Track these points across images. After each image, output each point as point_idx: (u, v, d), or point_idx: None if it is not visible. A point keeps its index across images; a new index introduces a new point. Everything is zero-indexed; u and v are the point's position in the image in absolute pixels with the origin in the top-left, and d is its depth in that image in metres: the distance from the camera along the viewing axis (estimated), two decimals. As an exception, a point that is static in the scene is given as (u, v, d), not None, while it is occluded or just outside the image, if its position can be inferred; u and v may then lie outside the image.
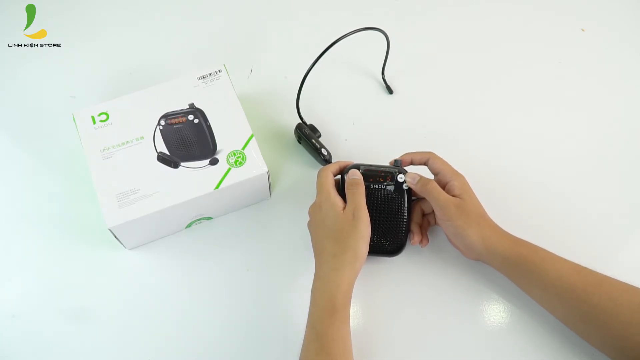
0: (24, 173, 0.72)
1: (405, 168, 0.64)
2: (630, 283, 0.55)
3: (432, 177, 0.64)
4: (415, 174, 0.62)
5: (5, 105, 0.78)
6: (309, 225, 0.62)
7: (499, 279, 0.62)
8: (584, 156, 0.74)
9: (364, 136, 0.75)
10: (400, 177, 0.61)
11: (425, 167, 0.64)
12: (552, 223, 0.68)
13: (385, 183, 0.61)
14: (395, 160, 0.64)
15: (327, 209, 0.59)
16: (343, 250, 0.56)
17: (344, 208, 0.59)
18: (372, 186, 0.61)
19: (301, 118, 0.73)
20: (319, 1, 0.90)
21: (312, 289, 0.57)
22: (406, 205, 0.62)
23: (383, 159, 0.65)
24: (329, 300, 0.54)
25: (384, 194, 0.61)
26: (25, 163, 0.72)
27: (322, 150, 0.70)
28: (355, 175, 0.61)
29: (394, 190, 0.62)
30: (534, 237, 0.60)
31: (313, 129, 0.73)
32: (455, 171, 0.62)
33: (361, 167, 0.62)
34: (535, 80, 0.82)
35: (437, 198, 0.59)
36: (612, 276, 0.56)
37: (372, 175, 0.62)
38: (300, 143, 0.73)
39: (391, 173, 0.62)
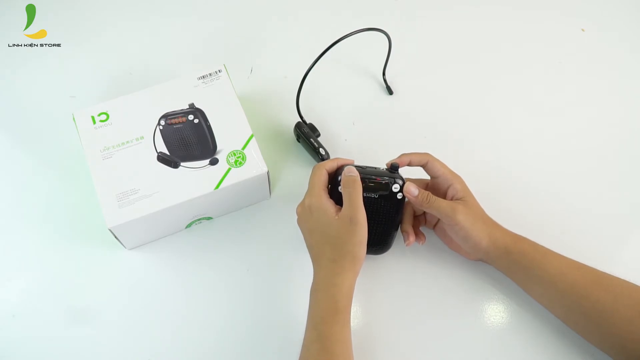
0: (24, 173, 0.72)
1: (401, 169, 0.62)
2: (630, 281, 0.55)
3: (427, 176, 0.64)
4: (414, 187, 0.59)
5: (6, 106, 0.77)
6: (300, 225, 0.60)
7: (501, 278, 0.62)
8: (584, 156, 0.74)
9: (364, 136, 0.75)
10: (395, 187, 0.58)
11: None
12: (552, 223, 0.68)
13: (379, 192, 0.59)
14: (392, 165, 0.60)
15: (319, 215, 0.57)
16: (342, 255, 0.56)
17: (337, 211, 0.57)
18: (365, 195, 0.58)
19: (301, 117, 0.73)
20: (319, 1, 0.89)
21: (311, 290, 0.57)
22: (398, 213, 0.61)
23: (383, 160, 0.64)
24: (331, 302, 0.54)
25: (377, 204, 0.59)
26: (25, 163, 0.72)
27: (320, 149, 0.70)
28: (351, 172, 0.57)
29: (387, 199, 0.59)
30: (534, 237, 0.60)
31: (312, 128, 0.73)
32: (454, 173, 0.61)
33: (358, 171, 0.59)
34: (536, 81, 0.82)
35: (443, 208, 0.58)
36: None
37: (367, 184, 0.58)
38: (299, 142, 0.73)
39: (387, 183, 0.58)
